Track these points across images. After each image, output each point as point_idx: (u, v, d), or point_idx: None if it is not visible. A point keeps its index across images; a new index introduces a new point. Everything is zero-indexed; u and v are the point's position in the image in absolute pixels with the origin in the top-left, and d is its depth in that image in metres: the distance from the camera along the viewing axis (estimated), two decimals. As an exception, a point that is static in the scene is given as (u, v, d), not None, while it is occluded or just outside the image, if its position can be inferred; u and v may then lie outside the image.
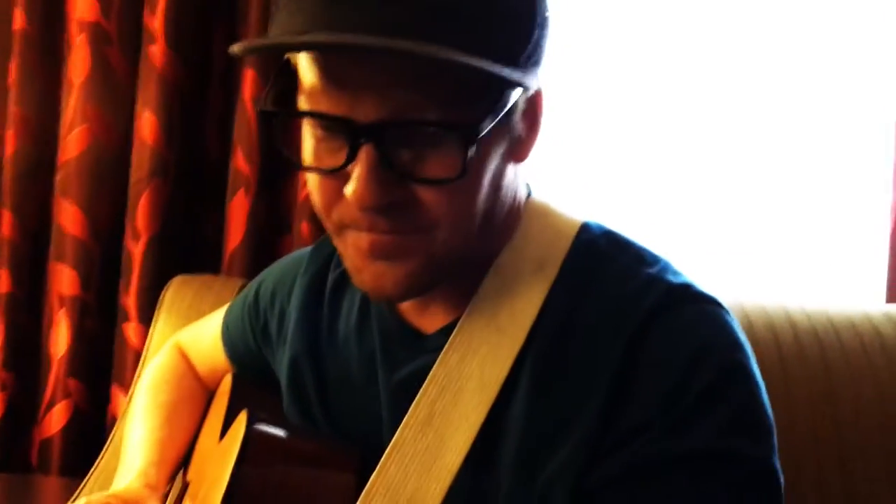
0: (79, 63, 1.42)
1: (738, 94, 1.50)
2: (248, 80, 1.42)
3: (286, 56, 0.61)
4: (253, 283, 0.92)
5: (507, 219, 0.67)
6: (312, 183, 0.61)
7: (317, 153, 0.60)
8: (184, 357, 1.00)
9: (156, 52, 1.41)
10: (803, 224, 1.51)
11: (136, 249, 1.42)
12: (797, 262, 1.51)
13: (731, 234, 1.52)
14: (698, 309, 0.62)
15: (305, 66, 0.58)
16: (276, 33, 0.56)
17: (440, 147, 0.56)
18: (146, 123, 1.41)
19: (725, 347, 0.60)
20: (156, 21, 1.40)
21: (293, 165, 0.57)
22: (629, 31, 1.52)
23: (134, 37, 1.44)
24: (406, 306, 0.71)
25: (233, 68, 1.46)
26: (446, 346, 0.65)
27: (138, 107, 1.43)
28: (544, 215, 0.69)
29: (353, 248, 0.61)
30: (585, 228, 0.69)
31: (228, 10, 1.47)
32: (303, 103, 0.59)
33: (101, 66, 1.43)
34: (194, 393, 0.96)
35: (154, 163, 1.41)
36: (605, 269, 0.65)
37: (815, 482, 1.04)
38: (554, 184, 1.48)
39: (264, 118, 0.58)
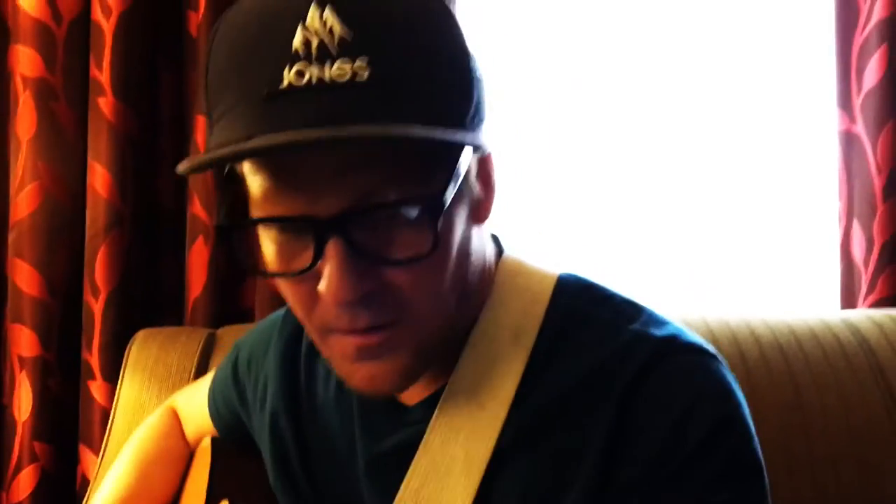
0: (26, 119, 1.40)
1: (687, 110, 1.54)
2: (201, 126, 1.41)
3: (228, 166, 0.59)
4: (234, 348, 0.91)
5: (481, 284, 0.67)
6: (284, 289, 0.59)
7: (281, 258, 0.58)
8: (174, 418, 0.99)
9: (104, 103, 1.39)
10: (754, 235, 1.55)
11: (96, 305, 1.39)
12: (751, 272, 1.55)
13: (685, 247, 1.55)
14: (687, 361, 0.62)
15: (252, 173, 0.55)
16: (218, 144, 0.53)
17: (407, 226, 0.55)
18: (98, 176, 1.39)
19: (717, 399, 0.60)
20: (102, 73, 1.39)
21: (260, 274, 0.55)
22: (581, 49, 1.55)
23: (80, 90, 1.42)
24: None
25: (184, 115, 1.45)
26: (427, 429, 0.64)
27: (89, 160, 1.41)
28: (517, 277, 0.68)
29: (339, 355, 0.60)
30: (561, 288, 0.68)
31: (175, 58, 1.45)
32: (256, 210, 0.57)
33: (49, 122, 1.41)
34: (176, 454, 0.95)
35: (109, 215, 1.39)
36: (586, 330, 0.64)
37: (787, 491, 1.06)
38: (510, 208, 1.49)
39: (221, 233, 0.56)
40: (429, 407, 0.65)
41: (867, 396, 1.11)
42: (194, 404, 0.97)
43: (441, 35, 0.56)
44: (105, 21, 1.38)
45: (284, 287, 0.59)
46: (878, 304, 1.36)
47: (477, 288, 0.66)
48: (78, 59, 1.42)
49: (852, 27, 1.40)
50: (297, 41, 0.52)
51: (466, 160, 0.59)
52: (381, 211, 0.54)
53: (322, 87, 0.51)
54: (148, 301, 1.45)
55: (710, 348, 0.64)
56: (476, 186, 0.62)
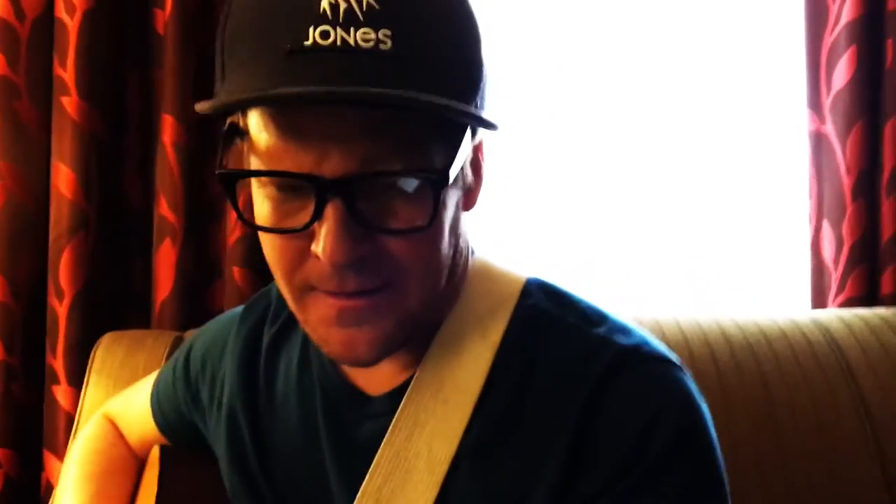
0: (-13, 119, 1.37)
1: (657, 112, 1.54)
2: (168, 126, 1.39)
3: (230, 120, 0.59)
4: (182, 349, 0.89)
5: (454, 277, 0.67)
6: (270, 246, 0.59)
7: (276, 214, 0.57)
8: (113, 426, 0.96)
9: (68, 103, 1.36)
10: (726, 235, 1.55)
11: (60, 308, 1.36)
12: (723, 272, 1.55)
13: (657, 248, 1.55)
14: (650, 371, 0.62)
15: (261, 127, 0.56)
16: (239, 89, 0.54)
17: (408, 197, 0.56)
18: (63, 177, 1.37)
19: (680, 411, 0.60)
20: (66, 72, 1.36)
21: (254, 228, 0.55)
22: (549, 48, 1.54)
23: (44, 89, 1.39)
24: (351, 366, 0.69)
25: (150, 115, 1.43)
26: (392, 424, 0.64)
27: (53, 160, 1.38)
28: (486, 278, 0.68)
29: (317, 317, 0.59)
30: (528, 290, 0.68)
31: (142, 56, 1.43)
32: (257, 165, 0.57)
33: (12, 121, 1.38)
34: (125, 464, 0.93)
35: (74, 217, 1.36)
36: (551, 332, 0.64)
37: (758, 489, 1.07)
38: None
39: (223, 181, 0.56)
40: (393, 399, 0.65)
41: (836, 395, 1.11)
42: (134, 412, 0.94)
43: (460, 18, 0.57)
44: (69, 19, 1.36)
45: (271, 243, 0.58)
46: (847, 303, 1.37)
47: (458, 276, 0.67)
48: (42, 58, 1.39)
49: (822, 28, 1.40)
50: (325, 3, 0.53)
51: (469, 141, 0.59)
52: (385, 178, 0.55)
53: (346, 50, 0.52)
54: (114, 303, 1.42)
55: (675, 358, 0.64)
56: (469, 173, 0.63)
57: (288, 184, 0.56)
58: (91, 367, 1.26)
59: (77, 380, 1.33)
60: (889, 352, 1.16)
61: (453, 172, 0.56)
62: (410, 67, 0.53)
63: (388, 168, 0.54)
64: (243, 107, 0.56)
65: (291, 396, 0.73)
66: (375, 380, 0.68)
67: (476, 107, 0.58)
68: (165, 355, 1.26)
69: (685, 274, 1.54)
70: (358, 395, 0.68)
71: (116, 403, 0.99)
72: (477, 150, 0.64)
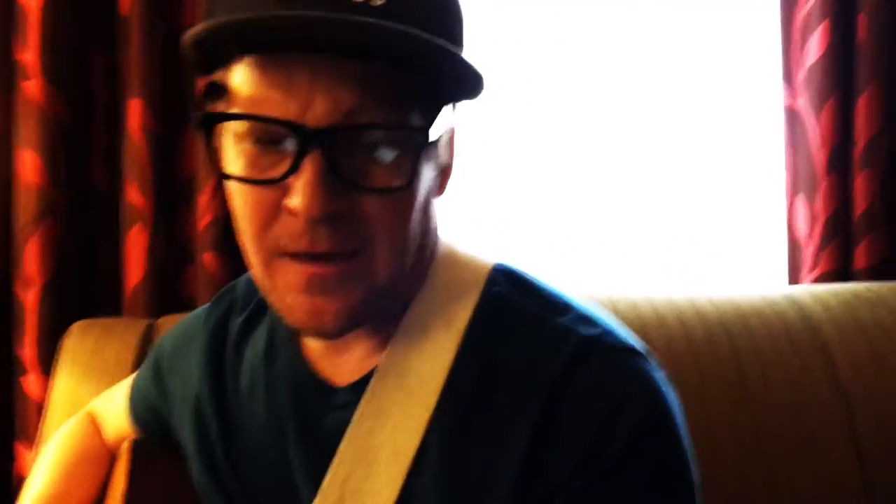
0: (-53, 105, 1.34)
1: (634, 87, 1.53)
2: (135, 110, 1.36)
3: (210, 80, 0.58)
4: (156, 346, 0.89)
5: (419, 264, 0.66)
6: (243, 201, 0.57)
7: (251, 166, 0.56)
8: (92, 422, 0.96)
9: (32, 87, 1.33)
10: (700, 211, 1.55)
11: (28, 297, 1.34)
12: (697, 248, 1.55)
13: (632, 226, 1.55)
14: (614, 361, 0.61)
15: (246, 76, 0.55)
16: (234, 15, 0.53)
17: (389, 155, 0.55)
18: (28, 163, 1.34)
19: (645, 402, 0.59)
20: (29, 55, 1.33)
21: (228, 177, 0.54)
22: (524, 32, 1.53)
23: (6, 73, 1.36)
24: (316, 354, 0.68)
25: (117, 98, 1.40)
26: (355, 416, 0.63)
27: (18, 147, 1.35)
28: (451, 265, 0.67)
29: (284, 284, 0.58)
30: (493, 278, 0.67)
31: (107, 39, 1.40)
32: (240, 111, 0.56)
33: (-27, 107, 1.35)
34: (98, 454, 0.92)
35: (41, 204, 1.34)
36: (516, 321, 0.63)
37: (735, 466, 1.07)
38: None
39: (202, 124, 0.54)
40: (358, 389, 0.64)
41: (810, 372, 1.12)
42: (112, 407, 0.94)
43: None
44: (31, 1, 1.33)
45: (244, 198, 0.57)
46: (821, 278, 1.38)
47: (425, 262, 0.66)
48: (2, 42, 1.35)
49: (794, 3, 1.40)
50: None
51: (450, 112, 0.59)
52: (367, 132, 0.54)
53: (339, 1, 0.52)
54: (84, 292, 1.40)
55: (641, 347, 0.63)
56: (444, 153, 0.63)
57: (267, 136, 0.55)
58: (60, 355, 1.24)
59: (47, 369, 1.30)
60: (862, 327, 1.16)
61: (434, 135, 0.56)
62: (402, 21, 0.52)
63: (372, 122, 0.54)
64: (240, 31, 0.54)
65: (258, 387, 0.72)
66: (341, 369, 0.67)
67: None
68: (137, 343, 1.24)
69: (660, 251, 1.54)
70: (323, 386, 0.68)
71: (99, 402, 0.99)
72: (451, 132, 0.64)
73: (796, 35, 1.40)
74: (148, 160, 1.37)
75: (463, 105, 0.64)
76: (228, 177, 0.57)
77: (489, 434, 0.60)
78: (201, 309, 0.84)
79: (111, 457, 0.92)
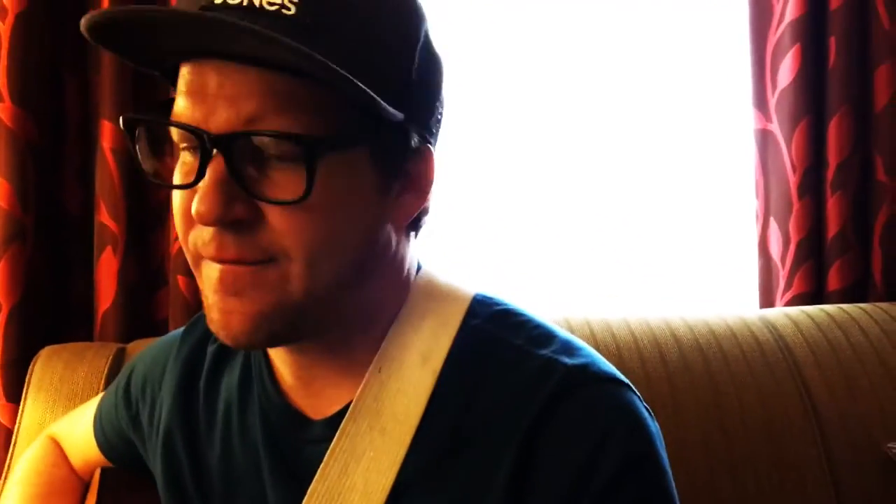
0: (-85, 127, 1.32)
1: (602, 110, 1.54)
2: (107, 132, 1.35)
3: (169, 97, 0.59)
4: (125, 370, 0.87)
5: (394, 294, 0.65)
6: (174, 208, 0.59)
7: (177, 174, 0.58)
8: (57, 447, 0.94)
9: (1, 110, 1.32)
10: (674, 233, 1.56)
11: (-4, 322, 1.32)
12: (670, 270, 1.56)
13: (606, 249, 1.55)
14: (599, 392, 0.60)
15: (179, 82, 0.56)
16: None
17: (289, 165, 0.54)
18: (-3, 187, 1.32)
19: (628, 433, 0.58)
20: (-2, 78, 1.32)
21: (150, 181, 0.55)
22: (497, 47, 1.53)
23: (-26, 96, 1.34)
24: (291, 386, 0.67)
25: (89, 121, 1.39)
26: (326, 456, 0.61)
27: (-14, 169, 1.33)
28: (429, 297, 0.66)
29: (207, 285, 0.57)
30: (473, 310, 0.65)
31: (79, 60, 1.39)
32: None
33: (-59, 129, 1.33)
34: (66, 485, 0.90)
35: (10, 228, 1.32)
36: (496, 356, 0.62)
37: (708, 488, 1.07)
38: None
39: (126, 125, 0.55)
40: (333, 424, 0.63)
41: (784, 393, 1.12)
42: (78, 433, 0.92)
43: (387, 10, 0.57)
44: (0, 23, 1.31)
45: (174, 205, 0.58)
46: (795, 300, 1.38)
47: (390, 296, 0.65)
48: (-30, 65, 1.34)
49: (766, 27, 1.41)
50: None
51: (372, 128, 0.57)
52: (268, 141, 0.54)
53: (251, 9, 0.53)
54: (54, 316, 1.38)
55: (623, 378, 0.62)
56: (402, 177, 0.60)
57: (191, 144, 0.56)
58: (29, 382, 1.22)
59: (16, 396, 1.28)
60: (835, 348, 1.17)
61: (332, 145, 0.54)
62: (310, 32, 0.53)
63: (268, 130, 0.54)
64: (148, 23, 0.54)
65: (232, 419, 0.71)
66: (315, 402, 0.66)
67: (385, 98, 0.55)
68: (107, 368, 1.22)
69: (635, 273, 1.54)
70: (298, 418, 0.66)
71: (61, 425, 0.97)
72: (424, 162, 0.62)
73: (768, 59, 1.41)
74: (120, 182, 1.35)
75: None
76: (151, 180, 0.59)
77: (467, 471, 0.59)
78: (175, 333, 0.82)
79: (81, 485, 0.90)
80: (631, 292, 1.54)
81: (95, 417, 0.88)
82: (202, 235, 0.56)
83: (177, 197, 0.58)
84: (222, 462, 0.71)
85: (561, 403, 0.58)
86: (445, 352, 0.63)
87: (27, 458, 0.93)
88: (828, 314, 1.24)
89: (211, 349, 0.75)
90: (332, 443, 0.62)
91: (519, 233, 1.54)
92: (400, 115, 0.57)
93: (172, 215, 1.32)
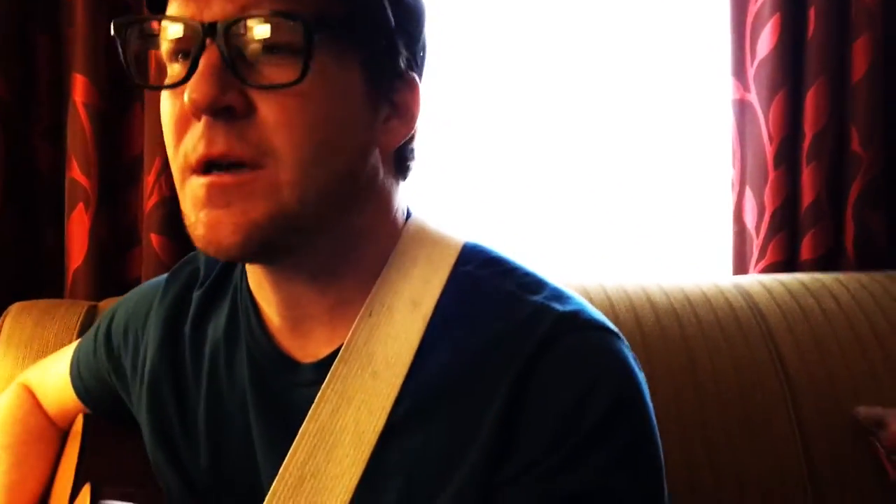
0: None
1: (583, 78, 1.53)
2: (80, 86, 1.32)
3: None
4: (104, 316, 0.85)
5: (384, 232, 0.64)
6: (163, 120, 0.58)
7: (169, 81, 0.58)
8: (30, 395, 0.92)
9: (-30, 65, 1.29)
10: (649, 201, 1.56)
11: (-35, 278, 1.30)
12: (647, 237, 1.57)
13: (583, 214, 1.55)
14: (588, 338, 0.60)
15: None
16: None
17: (282, 55, 0.55)
18: (-35, 140, 1.29)
19: (616, 381, 0.58)
20: (-34, 31, 1.28)
21: (143, 87, 0.56)
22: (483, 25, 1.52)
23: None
24: (280, 329, 0.66)
25: (60, 77, 1.36)
26: (317, 397, 0.61)
27: (-45, 124, 1.30)
28: (420, 243, 0.66)
29: (191, 200, 0.57)
30: (464, 258, 0.65)
31: (51, 14, 1.36)
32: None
33: None
34: (43, 433, 0.89)
35: (-22, 183, 1.29)
36: (487, 301, 0.62)
37: (680, 448, 1.08)
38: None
39: (116, 30, 0.55)
40: (322, 368, 0.63)
41: (757, 358, 1.13)
42: (52, 380, 0.91)
43: None
44: (-32, -27, 1.28)
45: (164, 115, 0.58)
46: (768, 269, 1.40)
47: (379, 238, 0.64)
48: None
49: (746, -3, 1.41)
50: None
51: (364, 31, 0.58)
52: (261, 26, 0.54)
53: None
54: (25, 274, 1.36)
55: (612, 326, 0.63)
56: (390, 96, 0.62)
57: (179, 49, 0.57)
58: (-2, 338, 1.20)
59: (-16, 352, 1.26)
60: (808, 315, 1.18)
61: (331, 25, 0.55)
62: None
63: (262, 12, 0.54)
64: None
65: (219, 363, 0.70)
66: (304, 346, 0.65)
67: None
68: (78, 325, 1.21)
69: (611, 240, 1.55)
70: (286, 361, 0.66)
71: (34, 372, 0.95)
72: (409, 86, 0.63)
73: (748, 29, 1.42)
74: (92, 138, 1.33)
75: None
76: (143, 86, 0.59)
77: (458, 413, 0.59)
78: (157, 279, 0.81)
79: (58, 433, 0.89)
80: (607, 258, 1.54)
81: (73, 364, 0.87)
82: (193, 135, 0.56)
83: (166, 105, 0.58)
84: (209, 407, 0.70)
85: (551, 348, 0.58)
86: (436, 297, 0.63)
87: (2, 405, 0.92)
88: (801, 282, 1.25)
89: (196, 294, 0.75)
90: (324, 384, 0.61)
91: (496, 199, 1.54)
92: (391, 20, 0.58)
93: (146, 173, 1.34)
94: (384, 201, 0.65)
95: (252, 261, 0.61)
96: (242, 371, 0.68)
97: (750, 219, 1.43)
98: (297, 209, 0.56)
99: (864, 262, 1.37)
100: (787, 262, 1.39)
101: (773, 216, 1.39)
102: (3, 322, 1.22)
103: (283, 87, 0.54)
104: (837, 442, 1.08)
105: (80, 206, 1.33)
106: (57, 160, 1.37)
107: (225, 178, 0.55)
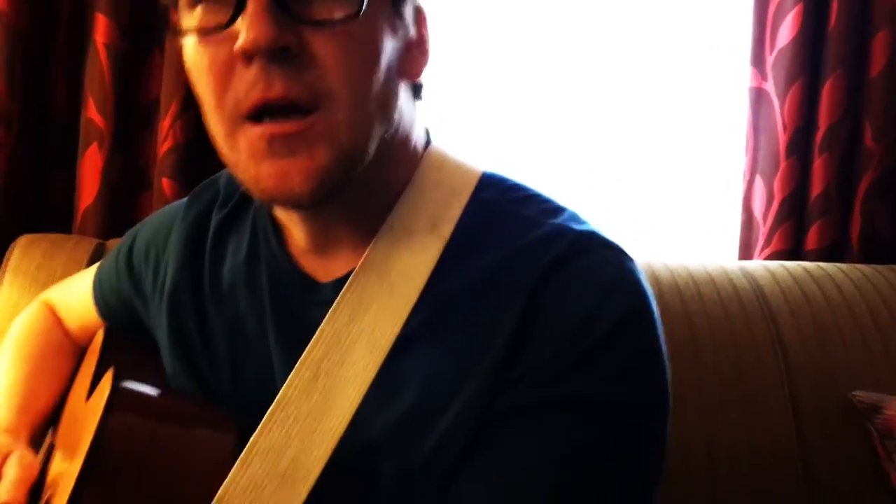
0: None
1: (601, 58, 1.54)
2: (100, 25, 1.32)
3: None
4: (125, 239, 0.86)
5: (404, 160, 0.65)
6: (200, 68, 0.56)
7: (203, 19, 0.56)
8: (52, 312, 0.94)
9: (-6, -8, 1.29)
10: (665, 186, 1.57)
11: (-26, 208, 1.30)
12: (659, 222, 1.57)
13: (599, 195, 1.56)
14: (602, 256, 0.61)
15: None
16: None
17: None
18: (-16, 69, 1.30)
19: (627, 295, 0.59)
20: (-7, -42, 1.28)
21: (183, 32, 0.53)
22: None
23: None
24: (300, 251, 0.67)
25: (83, 12, 1.36)
26: (336, 302, 0.62)
27: (-26, 52, 1.31)
28: (439, 169, 0.67)
29: (248, 152, 0.56)
30: (483, 185, 0.66)
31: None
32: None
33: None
34: (63, 347, 0.90)
35: (-6, 112, 1.30)
36: (505, 224, 0.63)
37: (675, 420, 1.08)
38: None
39: None
40: (341, 287, 0.63)
41: (757, 338, 1.14)
42: (74, 299, 0.92)
43: None
44: None
45: (201, 63, 0.56)
46: (772, 256, 1.40)
47: (400, 161, 0.65)
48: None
49: (770, -14, 1.42)
50: None
51: None
52: None
53: None
54: (33, 207, 1.37)
55: (627, 250, 0.64)
56: (411, 29, 0.63)
57: None
58: (6, 266, 1.21)
59: (-10, 282, 1.27)
60: (809, 300, 1.19)
61: None
62: None
63: None
64: None
65: (239, 281, 0.71)
66: (324, 266, 0.66)
67: None
68: (87, 261, 1.21)
69: (620, 219, 1.56)
70: (307, 281, 0.67)
71: (56, 291, 0.97)
72: (420, 18, 0.64)
73: (769, 18, 1.42)
74: (110, 79, 1.33)
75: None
76: (183, 32, 0.57)
77: (472, 325, 0.60)
78: (178, 203, 0.82)
79: (76, 349, 0.90)
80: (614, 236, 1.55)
81: (94, 283, 0.88)
82: (246, 80, 0.55)
83: (202, 54, 0.56)
84: (228, 323, 0.71)
85: (566, 263, 0.59)
86: (455, 220, 0.64)
87: (21, 321, 0.93)
88: (805, 270, 1.26)
89: (217, 216, 0.75)
90: (342, 291, 0.62)
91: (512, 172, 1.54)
92: None
93: (161, 118, 1.34)
94: (407, 127, 0.66)
95: (318, 206, 0.60)
96: (262, 290, 0.69)
97: (758, 206, 1.44)
98: (354, 148, 0.57)
99: (869, 255, 1.38)
100: (791, 251, 1.40)
101: (781, 205, 1.40)
102: (11, 252, 1.23)
103: (339, 23, 0.54)
104: (830, 422, 1.09)
105: (94, 145, 1.34)
106: (73, 98, 1.37)
107: (286, 125, 0.55)
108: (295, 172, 0.55)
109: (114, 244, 1.25)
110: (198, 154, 1.34)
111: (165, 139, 1.34)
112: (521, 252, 0.61)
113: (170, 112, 1.34)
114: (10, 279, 1.19)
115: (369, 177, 0.62)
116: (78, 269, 1.19)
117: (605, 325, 0.57)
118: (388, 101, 0.60)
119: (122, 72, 1.34)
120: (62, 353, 0.89)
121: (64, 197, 1.38)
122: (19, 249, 1.23)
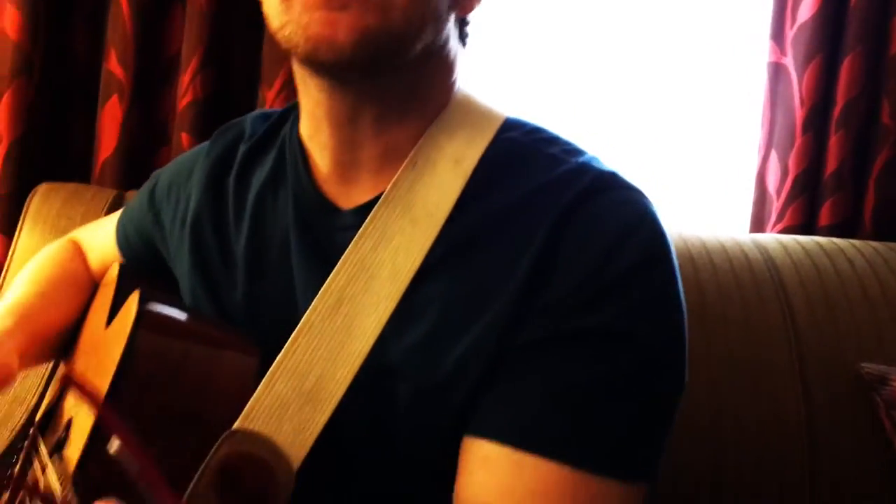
0: (-71, -54, 1.29)
1: (620, 33, 1.54)
2: (124, -22, 1.33)
3: None
4: (150, 179, 0.88)
5: (439, 88, 0.67)
6: None
7: None
8: (76, 247, 0.95)
9: (18, -62, 1.29)
10: (679, 158, 1.57)
11: (-5, 154, 1.31)
12: (673, 193, 1.58)
13: (617, 165, 1.56)
14: (625, 195, 0.62)
15: None
16: None
17: None
18: (8, 17, 1.30)
19: (648, 234, 0.60)
20: None
21: None
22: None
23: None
24: (325, 177, 0.69)
25: (106, -37, 1.37)
26: (359, 232, 0.64)
27: (-1, -1, 1.31)
28: (466, 109, 0.68)
29: (302, 3, 0.57)
30: (507, 126, 0.68)
31: None
32: None
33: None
34: (79, 278, 0.90)
35: (17, 61, 1.31)
36: (529, 161, 0.64)
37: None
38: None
39: None
40: (363, 213, 0.65)
41: (767, 308, 1.15)
42: (99, 235, 0.94)
43: None
44: None
45: None
46: (784, 231, 1.41)
47: (436, 87, 0.67)
48: None
49: (793, -40, 1.41)
50: None
51: None
52: None
53: None
54: (52, 157, 1.38)
55: (647, 194, 0.65)
56: None
57: None
58: (26, 213, 1.22)
59: (8, 228, 1.29)
60: (821, 273, 1.19)
61: None
62: None
63: None
64: None
65: (263, 208, 0.73)
66: (348, 192, 0.68)
67: None
68: (105, 210, 1.23)
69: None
70: (330, 207, 0.68)
71: (83, 230, 0.98)
72: None
73: (792, -8, 1.42)
74: (132, 32, 1.34)
75: None
76: None
77: (493, 260, 0.61)
78: (201, 145, 0.83)
79: (92, 284, 0.91)
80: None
81: (119, 223, 0.90)
82: None
83: None
84: (251, 248, 0.72)
85: (588, 200, 0.61)
86: (478, 157, 0.65)
87: (45, 252, 0.94)
88: (818, 243, 1.27)
89: (243, 148, 0.77)
90: (366, 221, 0.64)
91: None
92: None
93: (182, 72, 1.34)
94: (449, 62, 0.67)
95: (350, 70, 0.60)
96: (287, 214, 0.70)
97: (772, 181, 1.44)
98: (405, 27, 0.58)
99: (882, 233, 1.38)
100: (804, 227, 1.40)
101: (795, 180, 1.40)
102: (31, 199, 1.24)
103: None
104: (837, 392, 1.10)
105: (115, 97, 1.35)
106: (95, 49, 1.38)
107: None
108: (344, 24, 0.56)
109: (132, 195, 1.26)
110: (217, 109, 1.35)
111: (185, 94, 1.35)
112: (544, 187, 0.62)
113: (190, 67, 1.35)
114: (30, 225, 1.21)
115: (405, 86, 0.64)
116: (96, 218, 1.20)
117: (622, 264, 0.58)
118: (440, 11, 0.61)
119: (144, 25, 1.35)
120: (78, 282, 0.90)
121: (83, 148, 1.40)
122: (39, 197, 1.24)
